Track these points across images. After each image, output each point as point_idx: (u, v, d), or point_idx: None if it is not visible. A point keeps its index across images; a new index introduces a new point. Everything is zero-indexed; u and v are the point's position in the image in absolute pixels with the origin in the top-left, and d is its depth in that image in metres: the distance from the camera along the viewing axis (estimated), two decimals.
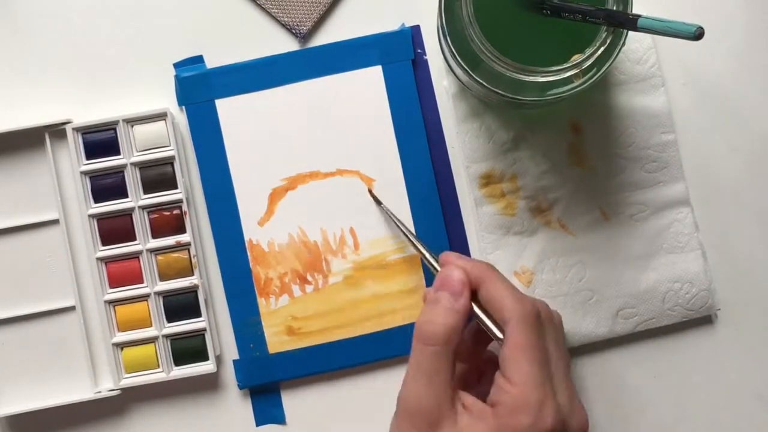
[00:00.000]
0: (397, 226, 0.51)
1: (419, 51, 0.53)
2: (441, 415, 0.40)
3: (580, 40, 0.43)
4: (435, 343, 0.41)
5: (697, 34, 0.36)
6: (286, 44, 0.53)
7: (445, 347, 0.41)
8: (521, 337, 0.41)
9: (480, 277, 0.43)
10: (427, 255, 0.48)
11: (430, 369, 0.41)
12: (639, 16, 0.40)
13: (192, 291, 0.52)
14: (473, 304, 0.43)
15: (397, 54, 0.53)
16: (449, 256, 0.46)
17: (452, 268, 0.44)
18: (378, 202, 0.52)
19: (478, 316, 0.44)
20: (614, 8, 0.43)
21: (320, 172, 0.53)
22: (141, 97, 0.53)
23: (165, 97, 0.53)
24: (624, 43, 0.44)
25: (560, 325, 0.46)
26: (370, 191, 0.52)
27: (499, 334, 0.43)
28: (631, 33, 0.43)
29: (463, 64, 0.45)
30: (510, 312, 0.41)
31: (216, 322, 0.53)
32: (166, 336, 0.52)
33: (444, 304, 0.42)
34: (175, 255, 0.52)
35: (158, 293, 0.52)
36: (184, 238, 0.52)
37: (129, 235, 0.52)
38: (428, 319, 0.42)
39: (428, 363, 0.41)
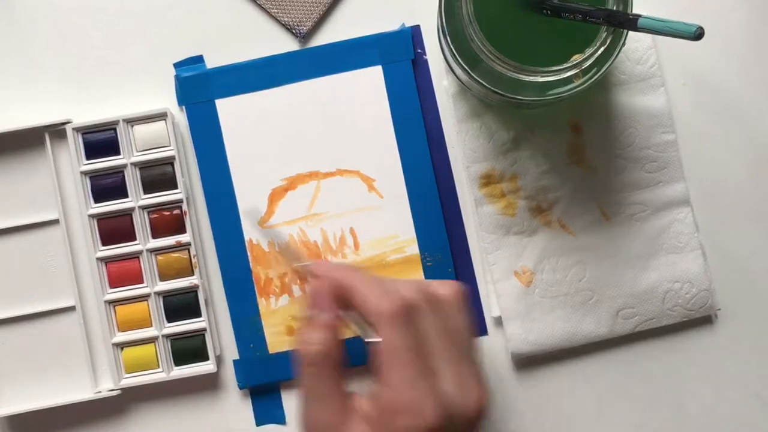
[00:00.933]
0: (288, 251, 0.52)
1: (419, 51, 0.53)
2: (339, 427, 0.40)
3: (580, 40, 0.43)
4: (315, 362, 0.41)
5: (698, 34, 0.36)
6: (286, 44, 0.53)
7: (326, 364, 0.41)
8: (388, 340, 0.40)
9: (342, 282, 0.42)
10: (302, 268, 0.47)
11: (317, 389, 0.41)
12: (639, 16, 0.40)
13: (192, 291, 0.52)
14: (345, 313, 0.42)
15: (397, 54, 0.53)
16: (316, 267, 0.44)
17: (315, 281, 0.43)
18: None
19: (353, 325, 0.43)
20: (614, 8, 0.43)
21: (320, 172, 0.53)
22: (141, 97, 0.53)
23: (165, 97, 0.53)
24: (624, 43, 0.44)
25: (453, 301, 0.43)
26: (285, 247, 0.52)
27: (375, 338, 0.41)
28: (631, 33, 0.43)
29: (463, 64, 0.45)
30: (374, 315, 0.40)
31: (216, 322, 0.53)
32: (166, 336, 0.52)
33: (315, 321, 0.42)
34: (175, 255, 0.52)
35: (158, 293, 0.52)
36: (184, 238, 0.52)
37: (129, 235, 0.52)
38: (303, 340, 0.42)
39: (314, 383, 0.41)
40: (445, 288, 0.43)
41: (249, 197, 0.53)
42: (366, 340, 0.41)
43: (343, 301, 0.42)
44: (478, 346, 0.43)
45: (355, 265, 0.43)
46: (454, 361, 0.41)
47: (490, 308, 0.53)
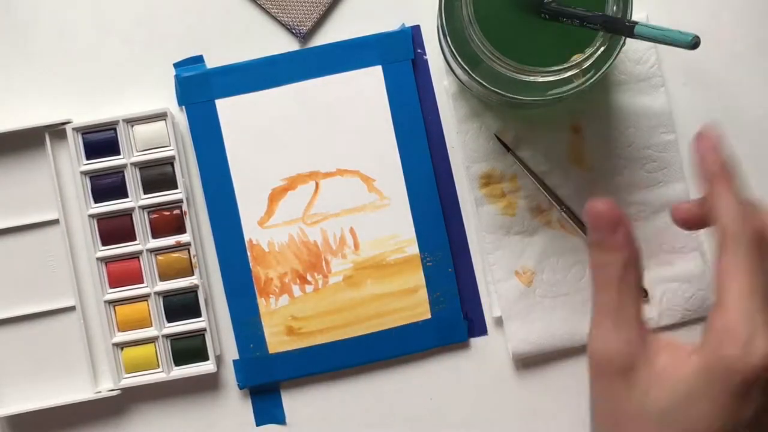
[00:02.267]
0: (534, 179, 0.50)
1: (419, 51, 0.53)
2: (633, 358, 0.36)
3: (580, 40, 0.43)
4: (611, 283, 0.37)
5: (694, 43, 0.36)
6: (286, 44, 0.53)
7: (622, 285, 0.37)
8: (742, 259, 0.36)
9: (712, 179, 0.38)
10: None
11: (613, 310, 0.37)
12: (636, 23, 0.39)
13: (192, 291, 0.52)
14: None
15: (397, 54, 0.53)
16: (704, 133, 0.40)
17: (595, 204, 0.38)
18: (507, 149, 0.51)
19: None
20: (614, 9, 0.43)
21: (320, 172, 0.53)
22: (141, 97, 0.53)
23: (165, 97, 0.53)
24: (624, 43, 0.44)
25: None
26: (497, 136, 0.49)
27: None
28: None
29: (463, 64, 0.45)
30: (732, 227, 0.37)
31: (216, 322, 0.53)
32: (166, 336, 0.52)
33: (605, 243, 0.37)
34: (175, 255, 0.52)
35: (158, 293, 0.52)
36: (184, 238, 0.52)
37: (129, 235, 0.52)
38: (596, 263, 0.38)
39: (610, 305, 0.37)
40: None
41: (249, 197, 0.53)
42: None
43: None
44: None
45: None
46: None
47: (491, 308, 0.53)
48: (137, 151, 0.52)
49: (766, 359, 0.34)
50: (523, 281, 0.52)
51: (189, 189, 0.53)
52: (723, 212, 0.37)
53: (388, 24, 0.53)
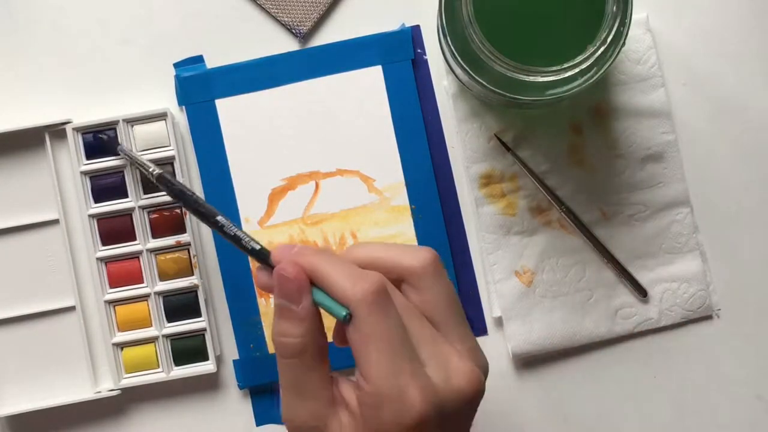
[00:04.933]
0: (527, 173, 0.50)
1: (419, 51, 0.53)
2: (321, 422, 0.37)
3: (580, 40, 0.43)
4: (292, 356, 0.37)
5: (347, 319, 0.36)
6: (286, 44, 0.53)
7: (304, 356, 0.37)
8: (363, 326, 0.35)
9: (311, 265, 0.37)
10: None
11: (296, 382, 0.37)
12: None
13: (192, 291, 0.52)
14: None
15: (397, 54, 0.53)
16: (276, 250, 0.39)
17: (283, 266, 0.37)
18: (507, 149, 0.51)
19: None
20: (614, 9, 0.43)
21: (320, 172, 0.53)
22: (141, 97, 0.53)
23: (165, 97, 0.53)
24: (624, 43, 0.44)
25: (426, 272, 0.38)
26: (497, 137, 0.49)
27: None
28: (631, 33, 0.43)
29: (463, 64, 0.45)
30: (346, 298, 0.36)
31: (216, 322, 0.53)
32: (166, 336, 0.52)
33: (289, 313, 0.37)
34: (175, 255, 0.52)
35: (158, 293, 0.52)
36: (184, 238, 0.52)
37: (129, 235, 0.52)
38: (278, 333, 0.38)
39: (292, 376, 0.37)
40: (415, 258, 0.38)
41: (249, 197, 0.53)
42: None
43: (311, 282, 0.38)
44: (462, 315, 0.38)
45: (314, 247, 0.39)
46: (436, 340, 0.37)
47: (491, 308, 0.53)
48: (137, 151, 0.52)
49: (422, 409, 0.35)
50: (523, 281, 0.52)
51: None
52: (336, 288, 0.36)
53: (388, 24, 0.53)
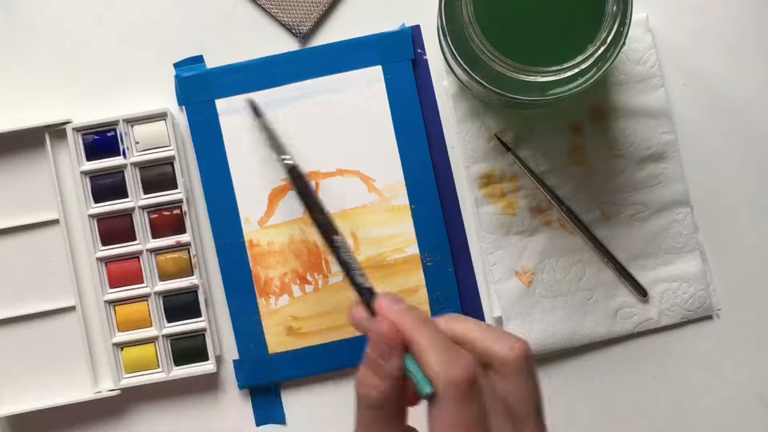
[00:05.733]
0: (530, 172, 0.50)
1: (419, 51, 0.53)
2: None
3: (580, 40, 0.43)
4: (371, 407, 0.37)
5: (430, 395, 0.35)
6: (286, 44, 0.53)
7: (382, 411, 0.37)
8: (446, 411, 0.34)
9: (411, 333, 0.36)
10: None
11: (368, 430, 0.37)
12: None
13: (192, 291, 0.52)
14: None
15: (397, 54, 0.53)
16: (383, 300, 0.38)
17: (380, 321, 0.37)
18: (507, 149, 0.50)
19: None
20: (614, 9, 0.43)
21: (320, 172, 0.53)
22: (141, 97, 0.53)
23: (165, 97, 0.53)
24: (624, 43, 0.44)
25: (515, 364, 0.36)
26: (497, 137, 0.48)
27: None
28: (631, 33, 0.43)
29: (463, 64, 0.45)
30: (437, 378, 0.35)
31: (216, 322, 0.53)
32: (166, 336, 0.52)
33: (377, 367, 0.37)
34: (175, 255, 0.52)
35: (158, 293, 0.52)
36: (184, 238, 0.52)
37: (129, 235, 0.52)
38: (362, 382, 0.37)
39: (367, 425, 0.37)
40: (507, 347, 0.37)
41: (249, 197, 0.53)
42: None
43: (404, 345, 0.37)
44: (542, 415, 0.37)
45: (420, 312, 0.38)
46: None
47: (491, 308, 0.53)
48: (137, 151, 0.52)
49: None
50: (524, 281, 0.52)
51: (189, 189, 0.53)
52: (428, 362, 0.35)
53: (388, 24, 0.53)
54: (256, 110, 0.45)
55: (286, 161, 0.43)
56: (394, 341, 0.36)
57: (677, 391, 0.53)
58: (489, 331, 0.37)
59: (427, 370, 0.35)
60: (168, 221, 0.52)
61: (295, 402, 0.53)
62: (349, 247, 0.41)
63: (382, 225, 0.53)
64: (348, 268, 0.40)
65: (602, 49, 0.43)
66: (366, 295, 0.39)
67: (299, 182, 0.44)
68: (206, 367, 0.52)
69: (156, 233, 0.52)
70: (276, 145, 0.43)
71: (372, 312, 0.38)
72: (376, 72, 0.53)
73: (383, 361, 0.36)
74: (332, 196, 0.53)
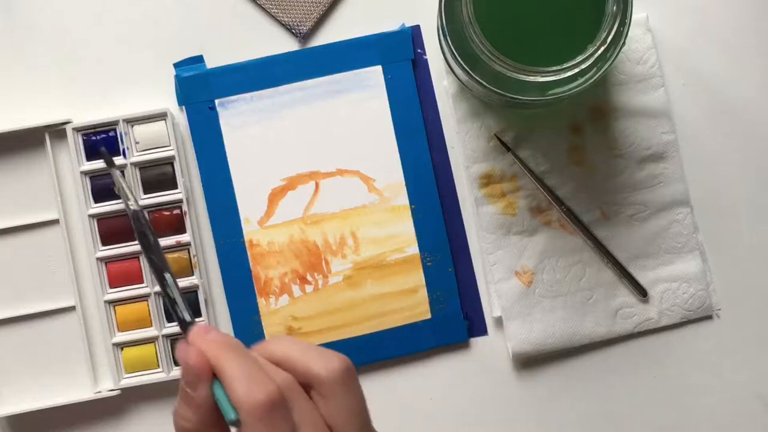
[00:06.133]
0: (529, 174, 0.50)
1: (419, 51, 0.53)
2: None
3: (580, 40, 0.43)
4: None
5: (236, 423, 0.34)
6: (286, 44, 0.53)
7: None
8: None
9: (215, 359, 0.35)
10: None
11: None
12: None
13: (192, 291, 0.52)
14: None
15: (397, 54, 0.53)
16: (193, 330, 0.37)
17: (187, 351, 0.36)
18: (507, 149, 0.51)
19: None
20: (614, 9, 0.43)
21: (320, 172, 0.53)
22: (141, 97, 0.53)
23: (165, 97, 0.53)
24: (624, 43, 0.44)
25: (333, 382, 0.35)
26: (497, 136, 0.49)
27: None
28: (631, 33, 0.43)
29: (463, 64, 0.45)
30: (238, 403, 0.34)
31: (216, 322, 0.53)
32: (166, 336, 0.52)
33: (187, 396, 0.35)
34: (175, 255, 0.52)
35: (158, 293, 0.52)
36: (184, 238, 0.52)
37: (129, 235, 0.52)
38: (178, 412, 0.36)
39: None
40: (325, 365, 0.36)
41: (249, 197, 0.53)
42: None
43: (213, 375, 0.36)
44: (369, 427, 0.37)
45: (230, 339, 0.37)
46: None
47: (491, 308, 0.53)
48: (137, 151, 0.52)
49: None
50: (524, 281, 0.52)
51: (189, 189, 0.53)
52: (231, 388, 0.34)
53: (388, 24, 0.53)
54: (107, 161, 0.47)
55: (130, 206, 0.44)
56: (201, 370, 0.35)
57: (677, 391, 0.53)
58: (308, 351, 0.36)
59: (231, 396, 0.34)
60: (168, 221, 0.52)
61: None
62: (177, 286, 0.40)
63: (382, 225, 0.53)
64: (173, 303, 0.40)
65: (602, 49, 0.43)
66: (184, 328, 0.38)
67: (138, 226, 0.44)
68: None
69: (156, 233, 0.52)
70: (123, 193, 0.45)
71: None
72: (376, 72, 0.53)
73: (192, 391, 0.35)
74: (332, 196, 0.53)
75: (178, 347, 0.36)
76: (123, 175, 0.52)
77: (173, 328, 0.52)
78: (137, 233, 0.43)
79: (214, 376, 0.35)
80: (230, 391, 0.34)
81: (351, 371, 0.36)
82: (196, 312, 0.52)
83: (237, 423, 0.34)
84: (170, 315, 0.52)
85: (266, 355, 0.37)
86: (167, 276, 0.41)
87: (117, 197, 0.52)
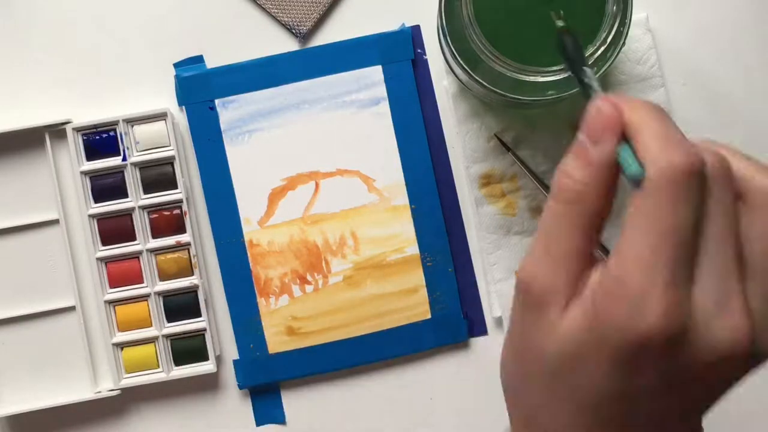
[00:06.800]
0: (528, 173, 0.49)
1: (419, 51, 0.53)
2: (551, 296, 0.30)
3: (580, 40, 0.43)
4: (562, 200, 0.30)
5: (637, 183, 0.29)
6: (286, 44, 0.53)
7: (572, 207, 0.30)
8: (647, 201, 0.28)
9: (633, 117, 0.29)
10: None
11: (550, 235, 0.30)
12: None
13: (192, 291, 0.52)
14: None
15: (397, 54, 0.53)
16: (609, 97, 0.31)
17: (603, 101, 0.30)
18: (507, 149, 0.51)
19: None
20: (614, 9, 0.43)
21: (320, 172, 0.53)
22: (141, 97, 0.53)
23: (165, 97, 0.53)
24: (624, 43, 0.44)
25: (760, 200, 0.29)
26: (497, 136, 0.48)
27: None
28: (631, 33, 0.43)
29: (463, 64, 0.45)
30: (649, 157, 0.28)
31: (216, 322, 0.53)
32: (166, 336, 0.52)
33: (584, 153, 0.30)
34: (175, 255, 0.52)
35: (158, 293, 0.52)
36: (184, 238, 0.52)
37: (129, 235, 0.52)
38: (563, 168, 0.31)
39: (550, 227, 0.30)
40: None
41: (249, 197, 0.53)
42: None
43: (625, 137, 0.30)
44: None
45: (655, 105, 0.30)
46: (729, 275, 0.28)
47: (491, 308, 0.53)
48: (137, 151, 0.52)
49: (657, 327, 0.27)
50: None
51: (189, 189, 0.53)
52: (647, 148, 0.28)
53: (388, 24, 0.53)
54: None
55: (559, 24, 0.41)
56: (611, 121, 0.29)
57: None
58: (751, 160, 0.30)
59: (643, 153, 0.28)
60: (168, 221, 0.52)
61: (295, 402, 0.53)
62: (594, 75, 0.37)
63: (382, 225, 0.53)
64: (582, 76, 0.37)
65: (602, 49, 0.43)
66: (588, 91, 0.35)
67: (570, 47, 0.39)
68: (206, 367, 0.52)
69: (156, 233, 0.52)
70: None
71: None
72: (376, 72, 0.53)
73: (593, 144, 0.30)
74: (332, 196, 0.53)
75: (592, 101, 0.31)
76: (126, 168, 0.52)
77: (173, 328, 0.52)
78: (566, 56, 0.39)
79: (624, 138, 0.30)
80: (642, 147, 0.28)
81: None
82: (196, 312, 0.52)
83: (638, 182, 0.28)
84: (170, 315, 0.52)
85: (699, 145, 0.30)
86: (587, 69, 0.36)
87: (116, 197, 0.52)
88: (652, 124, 0.29)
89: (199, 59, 0.53)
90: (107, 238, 0.52)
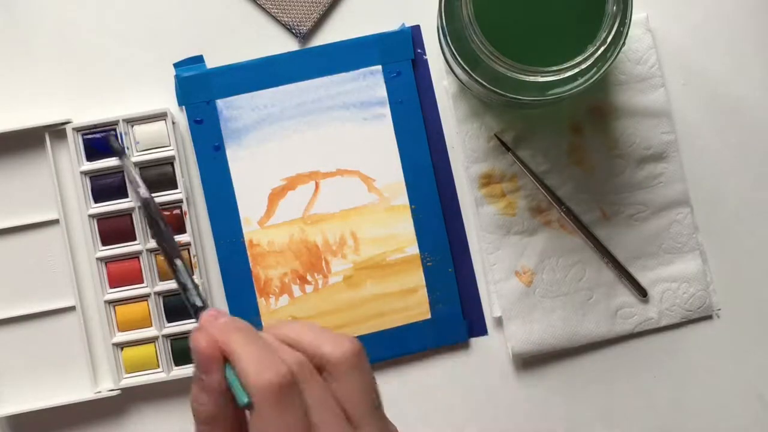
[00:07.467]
0: (527, 173, 0.50)
1: (419, 51, 0.53)
2: None
3: (580, 40, 0.43)
4: (202, 422, 0.36)
5: (249, 407, 0.34)
6: (286, 44, 0.53)
7: (214, 425, 0.35)
8: (259, 420, 0.33)
9: (226, 343, 0.35)
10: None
11: None
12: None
13: None
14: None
15: (397, 54, 0.53)
16: (204, 315, 0.37)
17: (197, 336, 0.35)
18: (507, 149, 0.51)
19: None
20: (614, 9, 0.43)
21: (320, 172, 0.53)
22: (141, 97, 0.53)
23: (165, 97, 0.53)
24: (624, 43, 0.44)
25: (344, 363, 0.35)
26: (497, 137, 0.49)
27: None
28: (631, 33, 0.43)
29: (463, 64, 0.45)
30: (250, 386, 0.33)
31: None
32: (166, 336, 0.52)
33: (200, 381, 0.35)
34: None
35: (158, 293, 0.52)
36: (184, 238, 0.52)
37: (129, 235, 0.52)
38: (193, 398, 0.36)
39: None
40: (336, 347, 0.36)
41: (249, 197, 0.53)
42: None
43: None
44: (380, 411, 0.36)
45: (240, 322, 0.36)
46: None
47: (491, 308, 0.53)
48: (137, 151, 0.52)
49: None
50: (524, 281, 0.52)
51: (189, 189, 0.53)
52: (243, 372, 0.34)
53: (388, 24, 0.53)
54: (117, 149, 0.48)
55: (141, 193, 0.46)
56: (212, 355, 0.35)
57: (677, 391, 0.53)
58: (321, 333, 0.36)
59: (243, 379, 0.34)
60: (168, 221, 0.52)
61: None
62: (188, 271, 0.41)
63: (382, 225, 0.53)
64: (184, 288, 0.40)
65: (602, 49, 0.43)
66: (196, 314, 0.39)
67: (149, 212, 0.45)
68: None
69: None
70: (134, 179, 0.46)
71: None
72: (376, 72, 0.53)
73: (206, 376, 0.35)
74: (332, 196, 0.53)
75: (191, 333, 0.36)
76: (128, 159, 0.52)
77: (173, 328, 0.52)
78: (147, 220, 0.44)
79: (227, 360, 0.35)
80: (241, 374, 0.34)
81: (362, 353, 0.36)
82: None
83: (250, 406, 0.33)
84: (170, 315, 0.52)
85: (279, 336, 0.36)
86: (178, 262, 0.41)
87: (116, 197, 0.52)
88: (246, 349, 0.34)
89: (199, 59, 0.53)
90: (107, 238, 0.52)
